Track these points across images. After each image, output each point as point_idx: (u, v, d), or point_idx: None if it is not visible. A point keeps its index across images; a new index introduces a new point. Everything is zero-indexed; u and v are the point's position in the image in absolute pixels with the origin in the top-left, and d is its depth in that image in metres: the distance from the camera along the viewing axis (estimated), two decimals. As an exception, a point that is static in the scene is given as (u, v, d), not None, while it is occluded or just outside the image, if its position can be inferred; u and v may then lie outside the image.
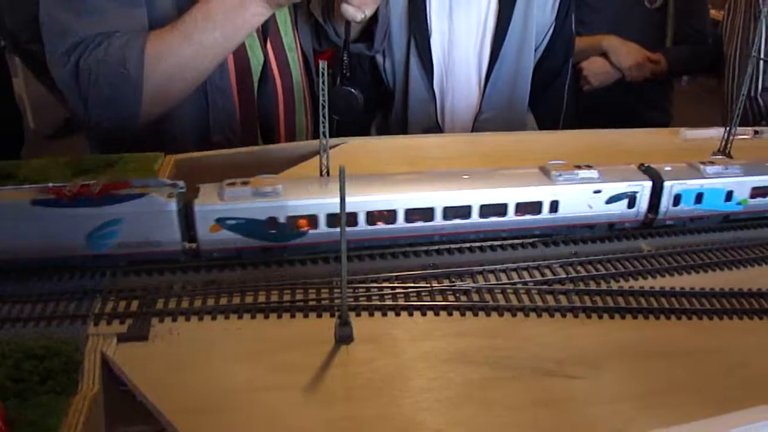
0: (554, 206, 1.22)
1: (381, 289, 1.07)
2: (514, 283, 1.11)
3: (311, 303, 1.03)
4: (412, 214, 1.15)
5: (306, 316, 1.02)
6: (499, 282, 1.12)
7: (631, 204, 1.27)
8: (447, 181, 1.19)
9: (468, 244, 1.21)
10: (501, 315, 1.05)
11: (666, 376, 0.97)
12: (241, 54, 1.65)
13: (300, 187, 1.13)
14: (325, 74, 1.10)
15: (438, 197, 1.16)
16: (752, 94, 2.34)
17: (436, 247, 1.19)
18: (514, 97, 2.11)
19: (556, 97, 2.21)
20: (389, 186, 1.17)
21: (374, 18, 1.72)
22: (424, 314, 1.04)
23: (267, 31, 1.71)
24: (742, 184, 1.32)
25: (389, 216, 1.14)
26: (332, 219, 1.11)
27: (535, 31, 2.07)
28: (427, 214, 1.16)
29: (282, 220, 1.10)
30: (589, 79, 2.60)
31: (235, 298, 1.04)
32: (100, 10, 1.46)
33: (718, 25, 2.63)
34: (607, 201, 1.24)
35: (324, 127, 1.12)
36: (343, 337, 0.96)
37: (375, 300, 1.05)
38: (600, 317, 1.07)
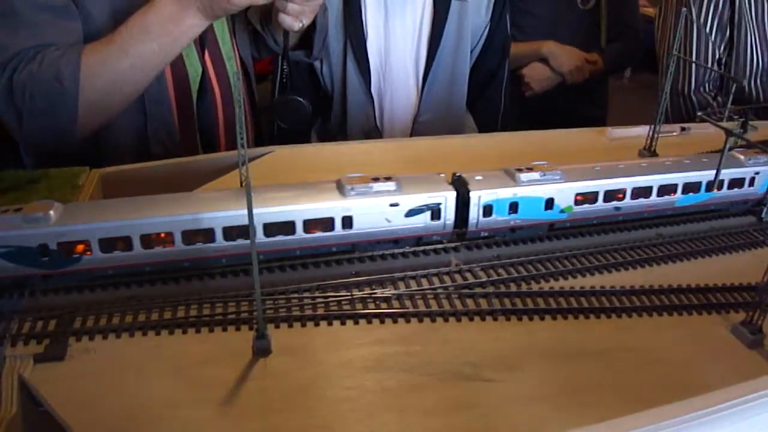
0: (347, 222, 1.17)
1: (301, 299, 1.07)
2: (435, 289, 1.12)
3: (230, 316, 1.03)
4: (191, 236, 1.10)
5: (225, 330, 1.02)
6: (421, 288, 1.12)
7: (436, 216, 1.21)
8: (229, 200, 1.12)
9: (391, 251, 1.21)
10: (420, 321, 1.06)
11: (583, 376, 0.98)
12: (178, 65, 1.64)
13: (74, 211, 1.08)
14: (239, 86, 1.10)
15: (217, 218, 1.10)
16: (685, 92, 2.38)
17: (359, 255, 1.20)
18: (452, 98, 2.13)
19: (493, 97, 2.25)
20: (168, 207, 1.10)
21: (312, 25, 1.72)
22: (343, 323, 1.04)
23: (204, 41, 1.70)
24: (563, 191, 1.28)
25: (167, 238, 1.10)
26: (106, 244, 1.07)
27: (471, 33, 2.09)
28: (207, 235, 1.11)
29: (53, 246, 1.05)
30: (531, 85, 2.65)
31: (153, 314, 1.03)
32: (33, 23, 1.45)
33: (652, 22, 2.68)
34: (407, 214, 1.19)
35: (242, 138, 1.12)
36: (261, 350, 0.96)
37: (295, 311, 1.05)
38: (520, 319, 1.08)
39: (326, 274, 1.15)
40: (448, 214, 1.22)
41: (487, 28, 2.13)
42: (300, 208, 1.14)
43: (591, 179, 1.30)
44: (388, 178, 1.19)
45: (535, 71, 2.65)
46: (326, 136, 2.16)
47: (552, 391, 0.95)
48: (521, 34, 2.64)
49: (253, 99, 2.00)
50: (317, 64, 2.04)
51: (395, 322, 1.05)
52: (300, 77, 2.03)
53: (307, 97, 1.79)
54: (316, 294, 1.09)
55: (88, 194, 1.31)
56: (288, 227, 1.14)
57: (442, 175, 1.25)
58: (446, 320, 1.06)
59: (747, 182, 1.43)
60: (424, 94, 2.07)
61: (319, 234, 1.17)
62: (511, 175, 1.26)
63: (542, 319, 1.09)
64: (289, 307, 1.05)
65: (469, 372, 0.96)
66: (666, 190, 1.37)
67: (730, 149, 1.32)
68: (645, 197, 1.36)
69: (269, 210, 1.12)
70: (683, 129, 1.79)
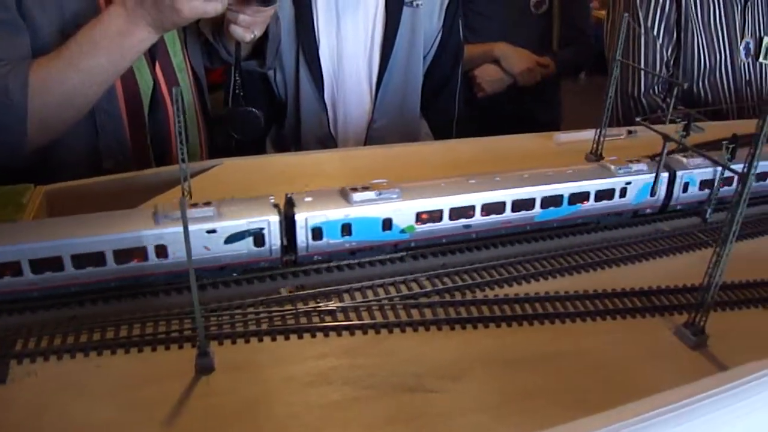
0: (162, 251, 1.10)
1: (245, 315, 1.06)
2: (380, 300, 1.12)
3: (173, 335, 1.02)
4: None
5: (168, 348, 1.01)
6: (366, 300, 1.12)
7: (259, 242, 1.15)
8: (35, 232, 1.07)
9: (336, 263, 1.21)
10: (365, 333, 1.06)
11: (527, 383, 0.99)
12: (129, 78, 1.63)
13: None
14: (181, 101, 1.09)
15: (23, 250, 1.05)
16: (635, 95, 2.42)
17: (304, 269, 1.19)
18: (406, 104, 2.15)
19: (447, 102, 2.27)
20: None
21: (265, 35, 1.71)
22: (287, 338, 1.04)
23: (155, 53, 1.69)
24: (402, 211, 1.22)
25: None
26: None
27: (423, 39, 2.10)
28: (14, 268, 1.05)
29: None
30: (482, 86, 2.68)
31: (95, 333, 1.02)
32: None
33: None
34: (227, 241, 1.13)
35: (183, 153, 1.11)
36: (203, 368, 0.96)
37: (238, 327, 1.04)
38: (464, 328, 1.09)
39: (271, 289, 1.15)
40: (273, 239, 1.16)
41: (440, 34, 2.15)
42: (109, 238, 1.08)
43: (433, 196, 1.25)
44: (207, 203, 1.12)
45: (486, 72, 2.68)
46: (281, 145, 2.16)
47: (495, 400, 0.95)
48: (475, 36, 2.67)
49: (205, 109, 2.00)
50: (270, 72, 2.03)
51: (339, 335, 1.05)
52: (254, 86, 2.02)
53: (260, 106, 1.79)
54: (260, 309, 1.08)
55: (32, 212, 1.30)
56: (97, 259, 1.08)
57: (271, 197, 1.18)
58: (391, 331, 1.07)
59: (617, 193, 1.41)
60: (377, 100, 2.08)
61: (132, 265, 1.10)
62: (344, 195, 1.20)
63: (486, 327, 1.09)
64: (232, 323, 1.05)
65: (412, 383, 0.97)
66: (522, 205, 1.32)
67: (668, 154, 1.34)
68: (498, 213, 1.31)
69: (74, 242, 1.06)
70: (630, 132, 1.81)
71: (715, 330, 1.09)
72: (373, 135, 2.11)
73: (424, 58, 2.16)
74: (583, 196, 1.37)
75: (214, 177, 1.52)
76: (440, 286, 1.17)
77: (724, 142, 1.35)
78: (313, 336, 1.05)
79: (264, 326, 1.05)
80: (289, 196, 1.20)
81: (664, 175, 1.44)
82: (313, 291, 1.13)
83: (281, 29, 1.88)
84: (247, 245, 1.15)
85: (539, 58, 2.68)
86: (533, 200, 1.32)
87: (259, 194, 1.20)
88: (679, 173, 1.45)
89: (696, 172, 1.46)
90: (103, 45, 1.43)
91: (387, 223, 1.22)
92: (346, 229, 1.20)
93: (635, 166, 1.41)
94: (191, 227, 1.04)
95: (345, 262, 1.22)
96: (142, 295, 1.12)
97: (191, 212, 1.09)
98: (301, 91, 2.04)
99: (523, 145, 1.79)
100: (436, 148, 1.87)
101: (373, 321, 1.07)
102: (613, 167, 1.40)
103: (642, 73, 2.38)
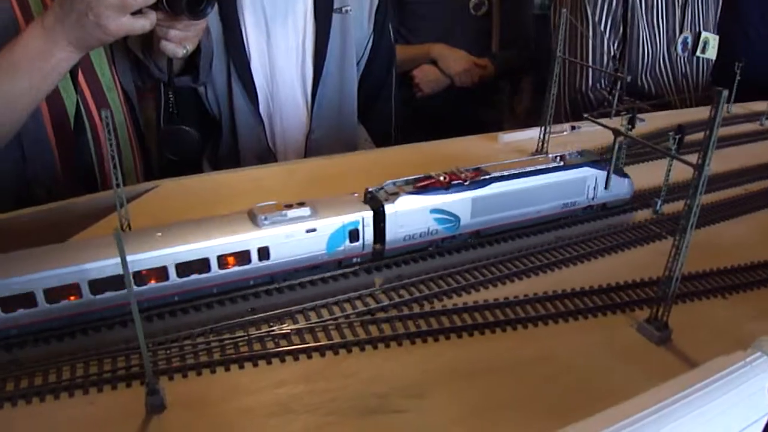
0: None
1: (195, 345, 1.00)
2: (336, 318, 1.07)
3: (120, 372, 0.95)
4: None
5: (114, 388, 0.94)
6: (321, 319, 1.07)
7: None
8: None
9: (287, 282, 1.16)
10: (323, 355, 1.01)
11: (493, 393, 0.96)
12: (55, 100, 1.55)
13: None
14: (111, 123, 1.04)
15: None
16: (583, 89, 2.44)
17: (254, 290, 1.13)
18: (342, 113, 2.12)
19: (384, 108, 2.25)
20: None
21: (197, 49, 1.66)
22: (241, 367, 0.98)
23: (76, 71, 1.62)
24: None
25: None
26: None
27: (355, 46, 2.07)
28: None
29: None
30: (420, 87, 2.68)
31: (36, 377, 0.95)
32: None
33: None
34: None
35: (117, 178, 1.06)
36: (154, 407, 0.89)
37: (189, 359, 0.98)
38: (425, 341, 1.05)
39: (220, 315, 1.09)
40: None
41: (371, 39, 2.12)
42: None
43: None
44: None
45: (424, 73, 2.69)
46: (218, 163, 2.09)
47: (464, 414, 0.92)
48: (415, 38, 2.68)
49: (138, 129, 1.92)
50: (201, 89, 1.97)
51: (296, 359, 1.00)
52: (185, 104, 1.96)
53: (194, 124, 1.73)
54: (211, 338, 1.02)
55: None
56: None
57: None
58: (350, 351, 1.02)
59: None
60: (314, 110, 2.04)
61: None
62: None
63: (448, 338, 1.06)
64: (182, 356, 0.99)
65: (376, 404, 0.92)
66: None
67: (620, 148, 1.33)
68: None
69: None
70: (573, 128, 1.81)
71: (677, 323, 1.07)
72: (313, 146, 2.07)
73: (357, 64, 2.12)
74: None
75: (151, 201, 1.45)
76: (397, 299, 1.13)
77: (671, 133, 1.34)
78: (269, 363, 0.99)
79: (216, 356, 0.99)
80: None
81: None
82: (264, 314, 1.08)
83: (213, 43, 1.83)
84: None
85: (477, 59, 2.69)
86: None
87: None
88: None
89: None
90: (23, 67, 1.36)
91: None
92: None
93: None
94: None
95: (296, 281, 1.17)
96: (82, 332, 1.04)
97: None
98: (236, 107, 1.98)
99: (468, 147, 1.77)
100: (378, 156, 1.83)
101: (330, 342, 1.03)
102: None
103: (587, 69, 2.40)
